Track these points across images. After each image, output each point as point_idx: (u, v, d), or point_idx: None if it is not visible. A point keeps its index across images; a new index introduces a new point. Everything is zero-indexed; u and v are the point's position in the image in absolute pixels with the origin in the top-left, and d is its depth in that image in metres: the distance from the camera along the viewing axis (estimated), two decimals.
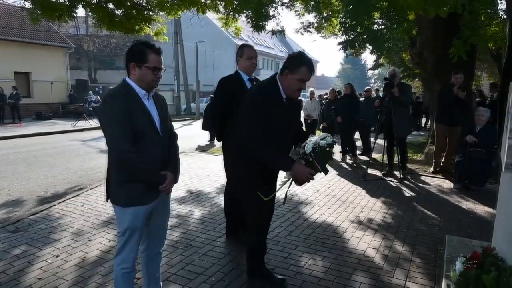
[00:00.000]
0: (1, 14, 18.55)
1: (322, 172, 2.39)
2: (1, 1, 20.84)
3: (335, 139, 2.47)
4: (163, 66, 2.07)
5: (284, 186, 2.54)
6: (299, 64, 2.38)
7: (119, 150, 1.95)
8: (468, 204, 4.93)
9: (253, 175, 2.54)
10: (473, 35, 6.37)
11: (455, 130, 6.22)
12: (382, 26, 11.03)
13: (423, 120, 16.35)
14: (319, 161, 2.33)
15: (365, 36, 10.30)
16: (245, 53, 3.37)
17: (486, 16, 7.21)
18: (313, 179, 2.41)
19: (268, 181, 2.62)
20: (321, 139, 2.36)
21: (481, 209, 4.72)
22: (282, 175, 2.60)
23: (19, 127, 14.46)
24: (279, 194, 2.85)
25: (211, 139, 10.61)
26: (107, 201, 2.15)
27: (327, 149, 2.34)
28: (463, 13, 6.28)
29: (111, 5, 7.55)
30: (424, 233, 3.90)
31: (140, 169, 2.00)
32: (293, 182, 2.46)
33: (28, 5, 7.50)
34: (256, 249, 2.80)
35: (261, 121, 2.38)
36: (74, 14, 7.10)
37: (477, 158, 5.32)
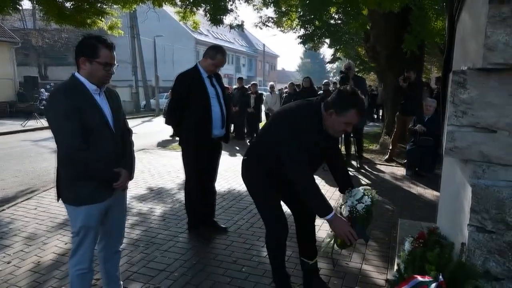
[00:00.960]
0: None
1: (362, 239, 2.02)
2: None
3: (377, 197, 2.06)
4: (116, 62, 2.02)
5: (328, 247, 2.19)
6: (348, 107, 2.03)
7: (68, 147, 1.88)
8: (418, 189, 5.24)
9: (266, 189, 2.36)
10: (423, 30, 6.75)
11: (409, 120, 6.62)
12: (339, 21, 11.34)
13: (380, 112, 17.06)
14: (358, 227, 1.99)
15: (323, 30, 10.55)
16: (217, 59, 3.33)
17: (433, 12, 7.64)
18: (355, 240, 2.02)
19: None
20: (358, 202, 2.01)
21: (430, 193, 5.04)
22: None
23: None
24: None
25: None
26: (58, 200, 2.07)
27: (369, 210, 1.98)
28: (412, 8, 6.62)
29: None
30: (379, 219, 4.10)
31: (92, 166, 1.94)
32: (336, 244, 2.16)
33: None
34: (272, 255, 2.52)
35: (305, 153, 2.09)
36: (19, 7, 6.65)
37: (426, 146, 5.67)
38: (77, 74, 1.97)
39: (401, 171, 6.33)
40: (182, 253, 3.25)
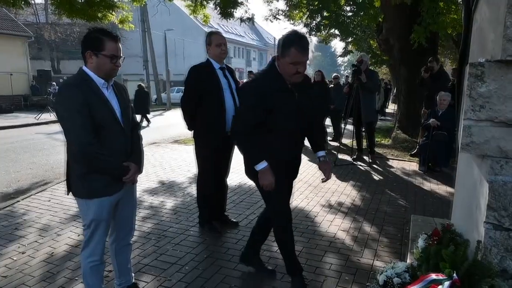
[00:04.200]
0: None
1: None
2: None
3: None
4: (123, 54, 2.01)
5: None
6: (288, 46, 2.14)
7: (79, 143, 1.88)
8: (431, 185, 5.16)
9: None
10: (433, 22, 6.61)
11: None
12: (350, 13, 11.19)
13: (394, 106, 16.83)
14: None
15: (331, 21, 10.43)
16: (213, 40, 3.33)
17: (444, 3, 7.47)
18: (272, 188, 2.25)
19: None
20: (397, 275, 1.95)
21: (444, 189, 4.96)
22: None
23: None
24: None
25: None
26: (67, 194, 2.09)
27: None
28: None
29: None
30: (391, 214, 4.05)
31: (102, 161, 1.95)
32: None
33: None
34: (281, 242, 2.61)
35: (258, 108, 2.21)
36: (31, 1, 6.72)
37: (440, 140, 5.56)
38: (85, 68, 1.98)
39: (413, 166, 6.24)
40: (193, 246, 3.26)
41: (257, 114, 2.23)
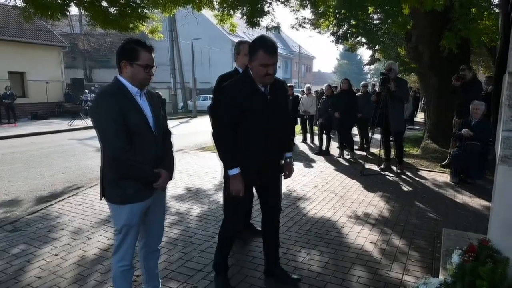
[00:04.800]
0: None
1: None
2: None
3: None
4: (155, 64, 2.07)
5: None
6: (256, 49, 2.29)
7: (113, 149, 1.95)
8: (464, 198, 4.96)
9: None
10: (464, 28, 6.42)
11: None
12: (377, 21, 11.05)
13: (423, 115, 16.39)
14: None
15: (359, 29, 10.32)
16: (242, 50, 3.38)
17: (477, 9, 7.24)
18: (241, 196, 2.39)
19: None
20: None
21: (477, 202, 4.75)
22: None
23: (15, 127, 14.38)
24: None
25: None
26: (101, 199, 2.15)
27: None
28: (454, 5, 6.32)
29: (104, 3, 7.49)
30: (421, 227, 3.92)
31: (135, 167, 2.00)
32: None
33: (20, 3, 7.44)
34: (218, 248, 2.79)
35: (229, 111, 2.34)
36: (67, 13, 7.04)
37: (473, 151, 5.35)
38: (120, 77, 2.05)
39: (444, 177, 6.03)
40: None
41: (232, 114, 2.35)
